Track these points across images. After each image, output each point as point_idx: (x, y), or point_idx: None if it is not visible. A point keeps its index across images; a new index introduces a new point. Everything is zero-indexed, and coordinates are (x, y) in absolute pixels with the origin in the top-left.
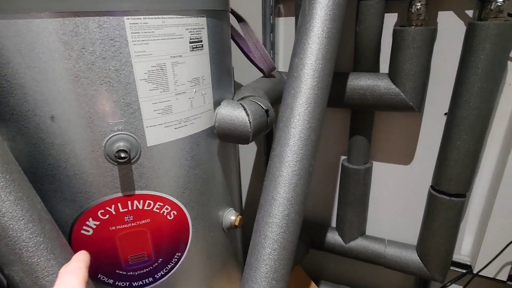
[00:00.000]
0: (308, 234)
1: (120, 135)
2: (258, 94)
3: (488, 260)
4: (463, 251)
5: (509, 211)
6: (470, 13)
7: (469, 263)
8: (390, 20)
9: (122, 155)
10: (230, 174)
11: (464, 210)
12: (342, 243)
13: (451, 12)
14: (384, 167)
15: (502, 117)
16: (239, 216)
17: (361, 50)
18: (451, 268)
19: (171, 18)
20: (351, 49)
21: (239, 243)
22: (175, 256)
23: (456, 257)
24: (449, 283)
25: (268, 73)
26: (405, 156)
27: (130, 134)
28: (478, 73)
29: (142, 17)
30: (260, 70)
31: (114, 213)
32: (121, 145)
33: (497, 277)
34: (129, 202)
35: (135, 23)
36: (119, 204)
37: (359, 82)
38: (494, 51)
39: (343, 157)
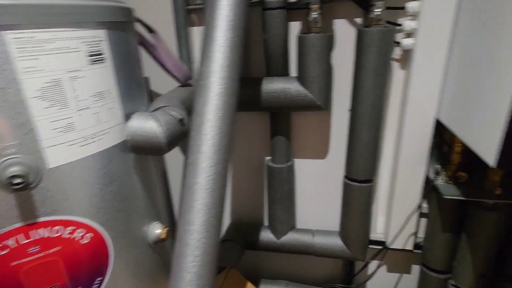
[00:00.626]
0: (242, 236)
1: (13, 159)
2: (173, 104)
3: (397, 234)
4: (378, 230)
5: (407, 189)
6: (359, 20)
7: (384, 240)
8: (297, 27)
9: (16, 181)
10: (153, 186)
11: (374, 193)
12: (275, 239)
13: (344, 20)
14: (304, 163)
15: (394, 109)
16: (166, 229)
17: (271, 56)
18: (370, 246)
19: (63, 31)
20: (263, 56)
21: (171, 255)
22: (96, 281)
23: (373, 236)
24: (370, 260)
25: (184, 82)
26: (321, 151)
27: (25, 157)
28: (369, 73)
29: (27, 31)
30: (176, 80)
31: (15, 245)
32: (15, 169)
33: (405, 248)
34: (32, 232)
35: (19, 38)
36: (19, 236)
37: (272, 86)
38: (379, 53)
39: (267, 158)
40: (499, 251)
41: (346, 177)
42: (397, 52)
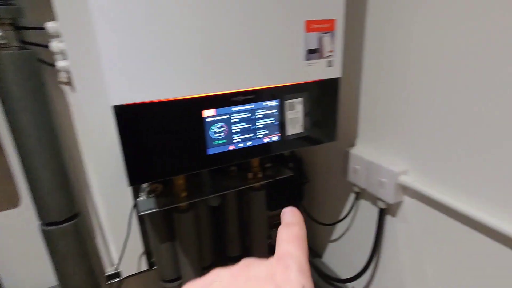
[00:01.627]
0: None
1: None
2: None
3: (132, 260)
4: (115, 261)
5: (121, 213)
6: None
7: (120, 270)
8: None
9: None
10: None
11: (90, 227)
12: None
13: None
14: None
15: (83, 136)
16: None
17: None
18: (110, 282)
19: None
20: None
21: None
22: None
23: (109, 270)
24: None
25: None
26: (10, 199)
27: None
28: (19, 103)
29: None
30: None
31: None
32: None
33: (142, 269)
34: None
35: None
36: None
37: None
38: (22, 79)
39: None
40: (219, 240)
41: (42, 223)
42: (64, 75)
